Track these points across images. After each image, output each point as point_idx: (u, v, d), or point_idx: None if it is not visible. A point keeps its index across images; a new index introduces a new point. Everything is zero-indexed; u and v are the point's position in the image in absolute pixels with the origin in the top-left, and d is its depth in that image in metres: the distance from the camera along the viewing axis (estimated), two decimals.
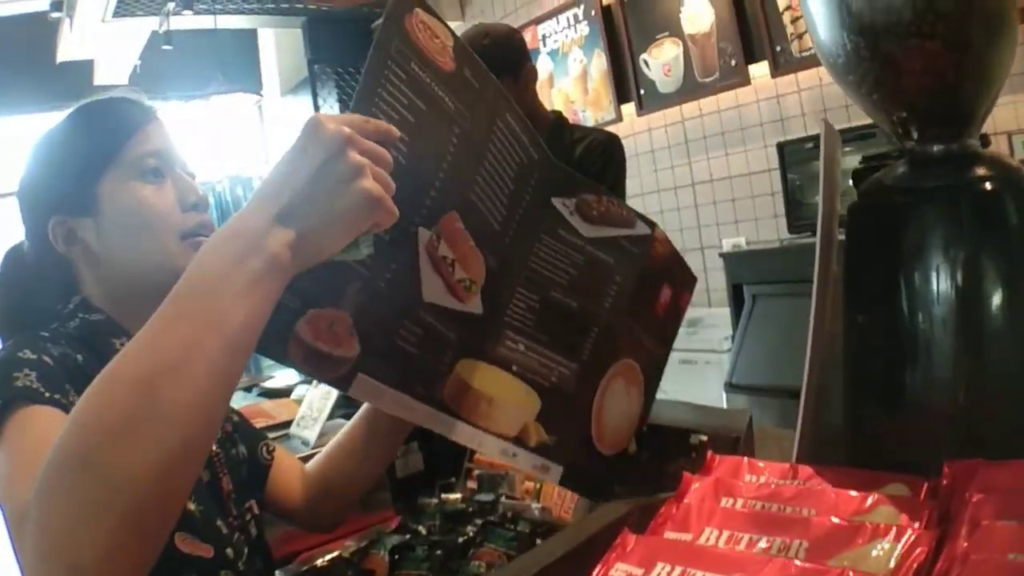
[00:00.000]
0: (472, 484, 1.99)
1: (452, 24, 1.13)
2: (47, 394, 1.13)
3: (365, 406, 1.60)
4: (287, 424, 2.73)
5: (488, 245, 1.20)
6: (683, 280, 1.50)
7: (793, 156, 4.79)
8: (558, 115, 3.35)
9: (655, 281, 1.43)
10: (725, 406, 4.13)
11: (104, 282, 1.39)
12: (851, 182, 1.40)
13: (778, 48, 5.12)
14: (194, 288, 0.85)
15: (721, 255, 4.94)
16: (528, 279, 1.27)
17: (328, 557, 1.75)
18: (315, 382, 2.71)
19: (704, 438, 1.41)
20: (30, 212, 1.44)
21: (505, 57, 2.95)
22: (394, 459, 1.62)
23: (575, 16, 6.56)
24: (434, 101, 1.09)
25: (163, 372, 0.80)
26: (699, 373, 4.86)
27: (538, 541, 1.64)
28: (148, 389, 0.79)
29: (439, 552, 1.66)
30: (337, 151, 0.86)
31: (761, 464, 1.06)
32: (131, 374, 0.81)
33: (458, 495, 1.91)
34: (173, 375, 0.80)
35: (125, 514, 0.77)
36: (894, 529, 0.81)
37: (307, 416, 2.64)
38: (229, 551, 1.34)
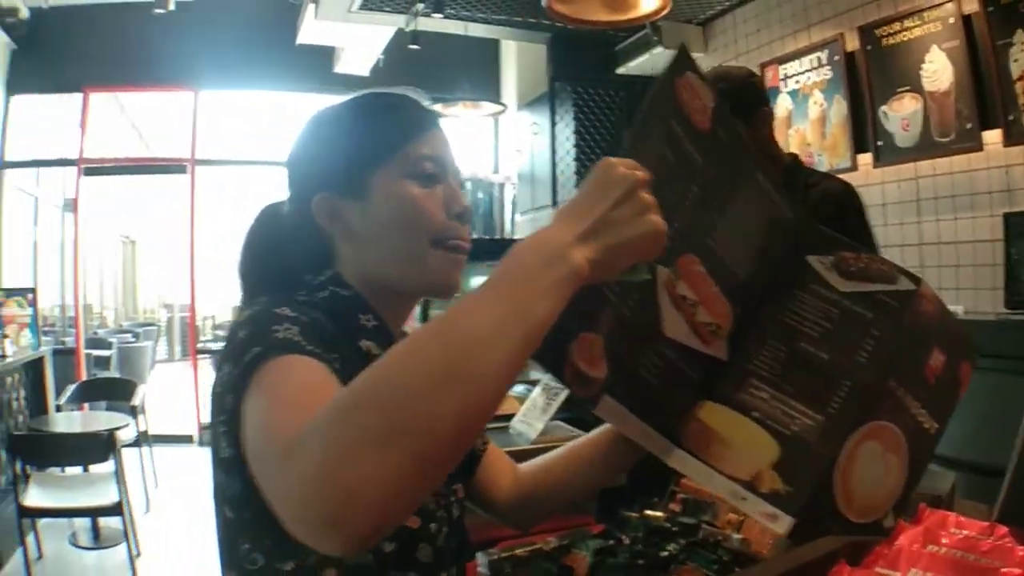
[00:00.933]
0: (675, 506, 2.06)
1: (693, 57, 1.25)
2: (308, 347, 1.19)
3: (600, 428, 1.67)
4: (508, 417, 2.87)
5: (735, 294, 1.30)
6: (960, 347, 1.45)
7: (1017, 229, 4.75)
8: (793, 157, 3.46)
9: (923, 342, 1.39)
10: None
11: (358, 263, 1.48)
12: None
13: (1010, 117, 5.08)
14: (509, 279, 0.99)
15: None
16: (777, 330, 1.34)
17: (528, 548, 1.83)
18: (539, 384, 2.80)
19: None
20: (298, 182, 1.53)
21: (738, 101, 3.04)
22: (610, 484, 1.69)
23: (818, 59, 6.62)
24: (683, 155, 1.22)
25: (471, 342, 0.92)
26: None
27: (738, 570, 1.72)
28: (456, 353, 0.91)
29: (641, 562, 1.75)
30: (634, 188, 1.05)
31: (963, 520, 1.17)
32: (444, 337, 0.93)
33: (661, 513, 1.98)
34: (480, 346, 0.92)
35: (413, 456, 0.86)
36: None
37: (530, 412, 2.76)
38: (433, 525, 1.42)
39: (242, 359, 1.18)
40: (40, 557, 6.18)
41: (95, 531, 6.70)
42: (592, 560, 1.77)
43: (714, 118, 1.27)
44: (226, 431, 1.23)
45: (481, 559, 1.83)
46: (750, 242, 1.34)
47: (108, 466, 5.62)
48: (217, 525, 1.38)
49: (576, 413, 2.69)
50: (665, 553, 1.78)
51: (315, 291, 1.46)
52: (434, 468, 0.90)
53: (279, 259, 1.55)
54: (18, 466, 5.53)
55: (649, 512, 1.96)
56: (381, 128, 1.48)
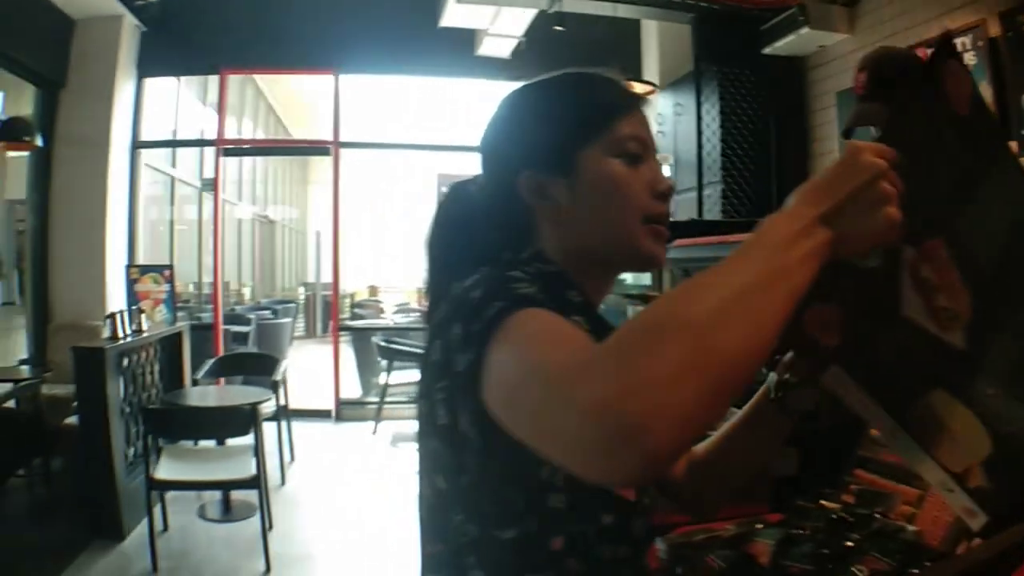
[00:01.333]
0: (848, 497, 2.11)
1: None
2: (549, 304, 1.19)
3: (746, 407, 1.66)
4: None
5: (976, 285, 1.28)
6: None
7: None
8: None
9: None
10: None
11: (563, 239, 1.47)
12: None
13: None
14: (770, 244, 1.04)
15: None
16: (1013, 328, 1.32)
17: (706, 535, 1.81)
18: None
19: None
20: (498, 161, 1.53)
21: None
22: (767, 461, 1.69)
23: (963, 44, 6.43)
24: (942, 141, 1.25)
25: (752, 288, 0.98)
26: None
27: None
28: (741, 294, 0.97)
29: (826, 551, 1.81)
30: (875, 178, 1.08)
31: None
32: (727, 280, 0.99)
33: (837, 504, 2.05)
34: (759, 292, 0.98)
35: (708, 381, 0.89)
36: None
37: None
38: (646, 500, 1.43)
39: (483, 315, 1.18)
40: (165, 529, 6.36)
41: (226, 504, 6.82)
42: (776, 549, 1.84)
43: (973, 106, 1.29)
44: (445, 398, 1.25)
45: (660, 544, 1.82)
46: (996, 234, 1.34)
47: (244, 439, 5.80)
48: (422, 498, 1.41)
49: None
50: (850, 544, 1.83)
51: (519, 267, 1.43)
52: (723, 397, 0.94)
53: (470, 236, 1.57)
54: (149, 439, 5.73)
55: (826, 503, 1.96)
56: (588, 107, 1.48)
